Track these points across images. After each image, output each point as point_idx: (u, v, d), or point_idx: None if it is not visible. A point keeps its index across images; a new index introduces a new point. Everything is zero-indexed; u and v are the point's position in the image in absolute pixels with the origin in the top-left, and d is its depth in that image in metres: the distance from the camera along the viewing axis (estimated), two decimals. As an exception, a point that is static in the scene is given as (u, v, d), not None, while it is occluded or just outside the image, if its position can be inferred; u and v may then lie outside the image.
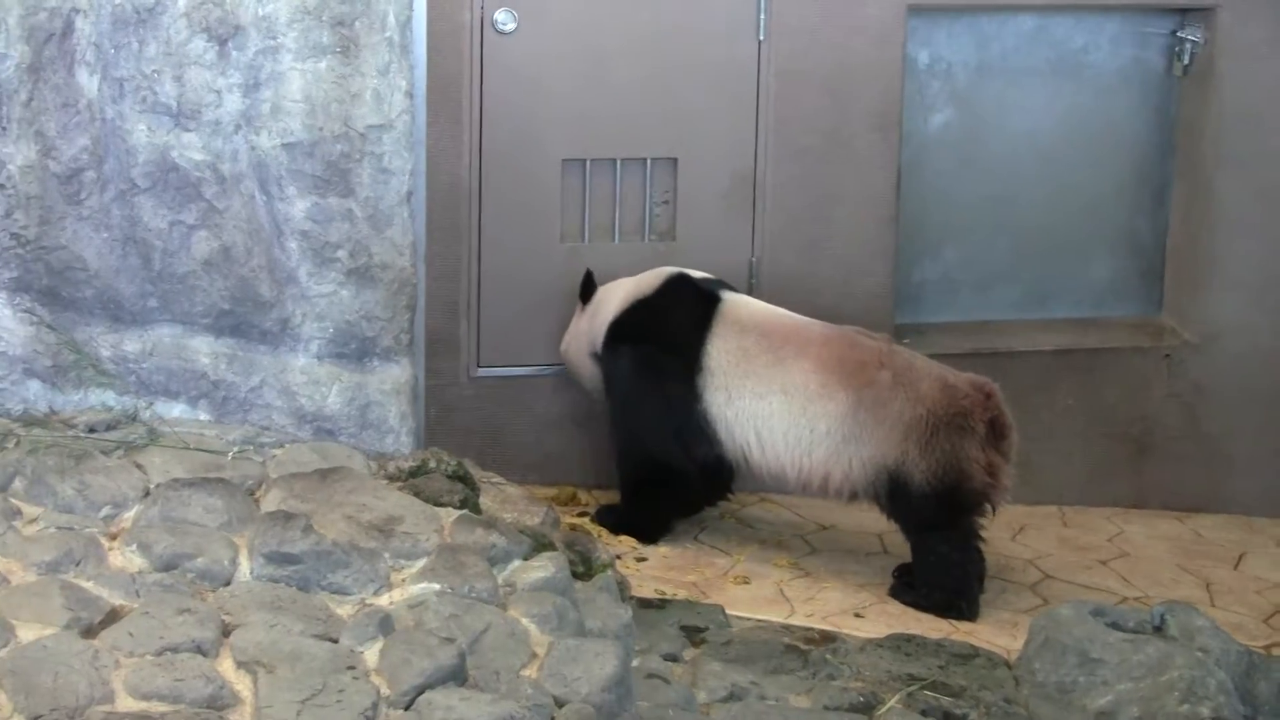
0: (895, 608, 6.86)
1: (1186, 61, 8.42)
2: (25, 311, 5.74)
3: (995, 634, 6.66)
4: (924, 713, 5.72)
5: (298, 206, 5.82)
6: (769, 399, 6.96)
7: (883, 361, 6.88)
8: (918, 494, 6.78)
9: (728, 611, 6.48)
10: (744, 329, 7.07)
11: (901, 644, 6.26)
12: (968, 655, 6.23)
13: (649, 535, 7.23)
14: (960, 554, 6.85)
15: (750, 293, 7.73)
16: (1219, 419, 8.42)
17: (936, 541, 6.84)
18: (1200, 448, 8.40)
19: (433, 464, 5.68)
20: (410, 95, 5.96)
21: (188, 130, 5.75)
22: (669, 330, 7.17)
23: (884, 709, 5.73)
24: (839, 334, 7.02)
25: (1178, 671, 5.79)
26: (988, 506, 6.86)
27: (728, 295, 7.21)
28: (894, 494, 6.83)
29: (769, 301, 7.34)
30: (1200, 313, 8.45)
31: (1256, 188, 8.38)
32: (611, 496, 7.57)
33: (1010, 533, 7.88)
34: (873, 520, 7.43)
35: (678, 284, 7.26)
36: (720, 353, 7.05)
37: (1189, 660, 5.84)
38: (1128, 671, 5.89)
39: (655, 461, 7.17)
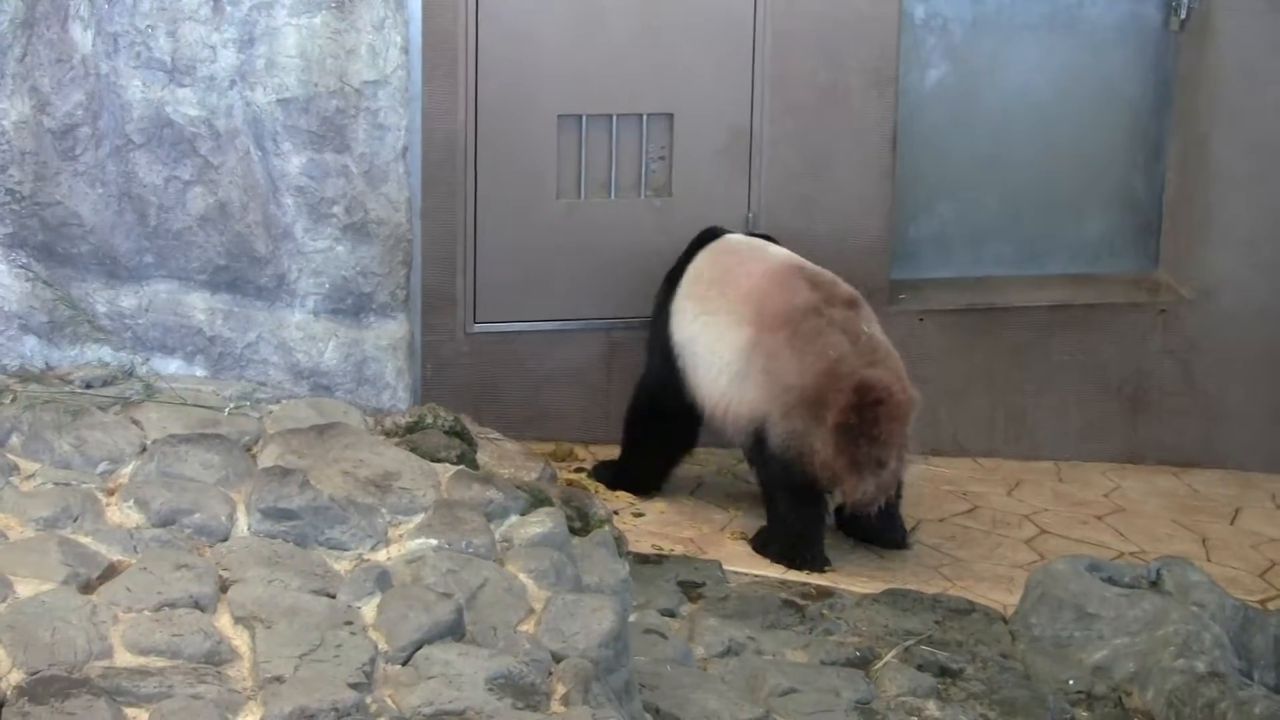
0: (892, 562, 6.87)
1: (1183, 16, 8.40)
2: (21, 268, 5.72)
3: (991, 589, 6.68)
4: (920, 667, 5.74)
5: (293, 162, 5.80)
6: (700, 319, 7.00)
7: (805, 319, 6.82)
8: (768, 454, 6.82)
9: (725, 567, 6.49)
10: (718, 256, 7.09)
11: (898, 599, 6.28)
12: (964, 610, 6.25)
13: (642, 487, 7.23)
14: (796, 514, 6.84)
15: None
16: (1214, 374, 8.43)
17: (778, 499, 6.86)
18: (1196, 403, 8.41)
19: (430, 420, 5.67)
20: (405, 51, 5.94)
21: (183, 86, 5.73)
22: (673, 268, 7.30)
23: (880, 663, 5.75)
24: (791, 275, 6.98)
25: (1173, 626, 5.80)
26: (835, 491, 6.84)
27: (731, 233, 7.23)
28: (754, 445, 6.90)
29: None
30: (1196, 268, 8.45)
31: (1252, 143, 8.38)
32: (610, 451, 7.59)
33: (1006, 488, 7.89)
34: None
35: (704, 232, 7.38)
36: (688, 276, 7.15)
37: (1185, 615, 5.86)
38: (1124, 626, 5.91)
39: (648, 400, 7.20)
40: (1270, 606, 6.48)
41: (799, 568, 6.72)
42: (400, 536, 4.86)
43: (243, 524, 4.78)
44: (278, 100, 5.76)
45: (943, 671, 5.75)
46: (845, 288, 6.96)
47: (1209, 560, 7.22)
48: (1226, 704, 5.34)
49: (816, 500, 6.83)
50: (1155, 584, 6.21)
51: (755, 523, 7.04)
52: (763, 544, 6.87)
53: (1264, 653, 5.98)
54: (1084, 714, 5.60)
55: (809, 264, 7.06)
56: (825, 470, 6.68)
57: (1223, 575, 6.75)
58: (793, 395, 6.72)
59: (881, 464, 6.68)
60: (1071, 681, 5.76)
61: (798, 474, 6.74)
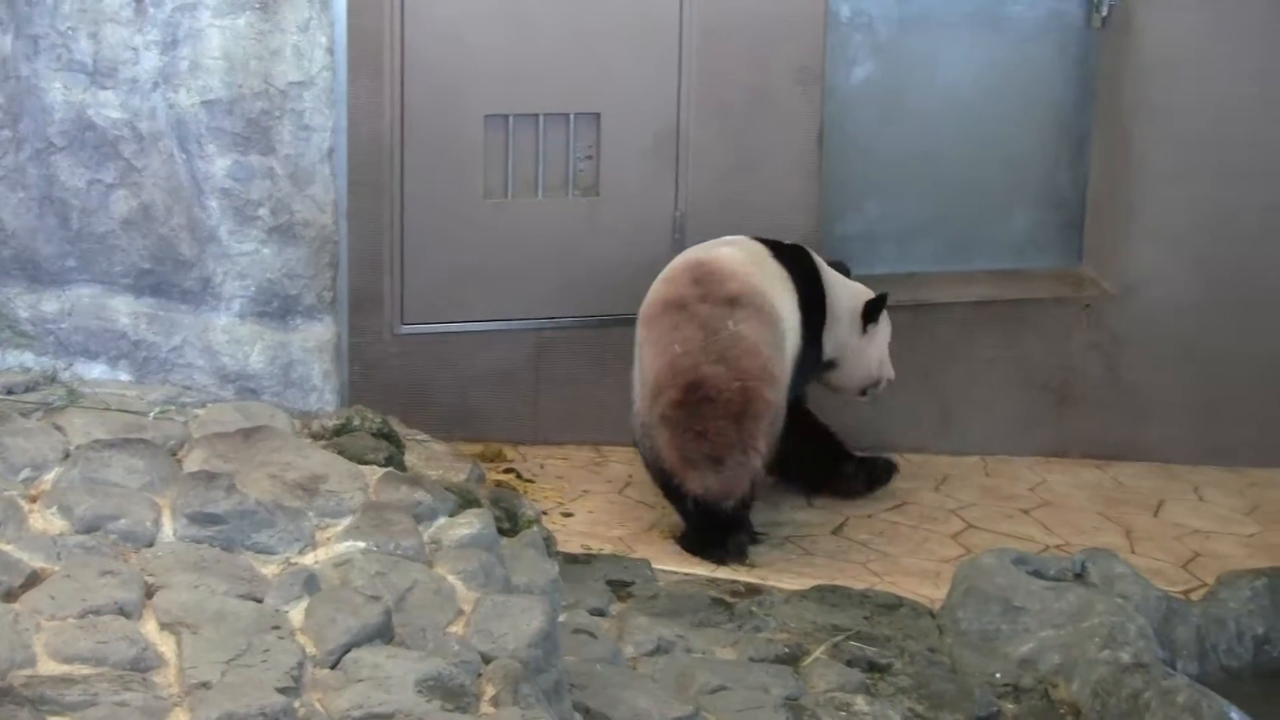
0: (820, 559, 6.90)
1: (1104, 13, 8.46)
2: (-58, 274, 5.70)
3: (919, 584, 6.71)
4: (849, 663, 5.76)
5: (218, 164, 5.79)
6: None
7: (667, 313, 6.92)
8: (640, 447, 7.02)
9: (654, 565, 6.51)
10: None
11: (826, 595, 6.30)
12: (892, 605, 6.28)
13: None
14: (678, 509, 6.94)
15: (674, 247, 7.76)
16: (1138, 368, 8.48)
17: (666, 493, 6.96)
18: (1120, 397, 8.46)
19: (357, 422, 5.67)
20: (331, 51, 5.93)
21: (104, 88, 5.71)
22: None
23: (809, 659, 5.77)
24: (681, 270, 7.07)
25: (1099, 618, 5.85)
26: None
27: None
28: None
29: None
30: (1120, 263, 8.51)
31: (1175, 139, 8.43)
32: (539, 452, 7.61)
33: (933, 483, 7.93)
34: (797, 473, 7.48)
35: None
36: None
37: (1110, 607, 5.90)
38: (1049, 619, 5.96)
39: None
40: (1193, 597, 6.52)
41: (716, 562, 6.78)
42: (328, 539, 4.85)
43: (168, 529, 4.75)
44: (202, 102, 5.75)
45: (871, 666, 5.77)
46: (735, 286, 6.94)
47: (1133, 552, 7.27)
48: (1151, 694, 5.38)
49: (682, 495, 6.89)
50: (1080, 576, 6.26)
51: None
52: (680, 539, 6.95)
53: (1187, 643, 6.04)
54: (1010, 706, 5.64)
55: (725, 261, 7.07)
56: (664, 463, 6.83)
57: (1147, 567, 6.81)
58: (646, 389, 6.86)
59: (717, 461, 6.75)
60: (998, 674, 5.80)
61: (653, 468, 6.91)
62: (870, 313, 7.52)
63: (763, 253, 7.24)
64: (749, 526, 7.01)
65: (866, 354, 7.57)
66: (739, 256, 7.12)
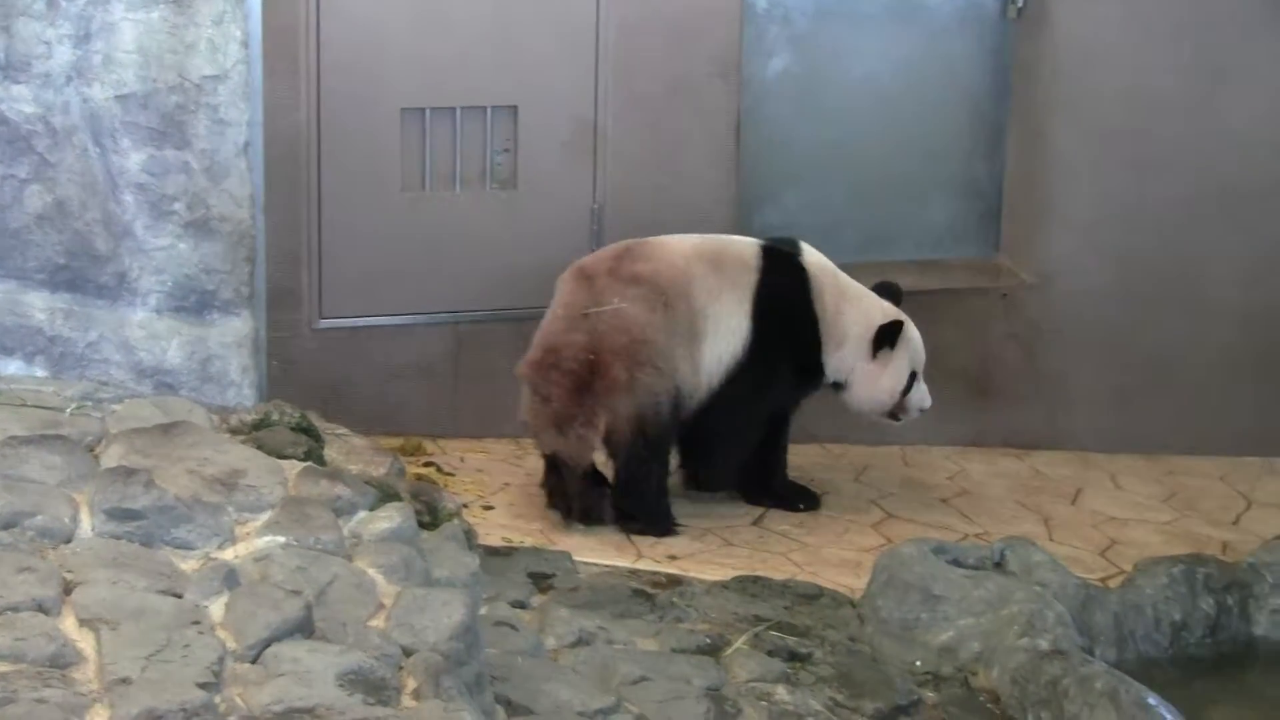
0: (741, 549, 6.91)
1: (1020, 5, 8.51)
2: None
3: (839, 574, 6.73)
4: (770, 653, 5.78)
5: (133, 159, 5.76)
6: None
7: (565, 285, 7.05)
8: None
9: (575, 557, 6.51)
10: None
11: (747, 585, 6.32)
12: (813, 595, 6.30)
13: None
14: (563, 480, 7.05)
15: (592, 239, 7.77)
16: (1055, 357, 8.54)
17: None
18: (1038, 386, 8.52)
19: (276, 416, 5.64)
20: (245, 45, 5.91)
21: (17, 83, 5.67)
22: None
23: (731, 650, 5.78)
24: (613, 249, 7.14)
25: (1017, 606, 5.88)
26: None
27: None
28: None
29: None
30: (1036, 253, 8.56)
31: (1089, 129, 8.49)
32: (459, 445, 7.60)
33: (853, 473, 7.96)
34: (718, 464, 7.49)
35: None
36: None
37: (1028, 595, 5.94)
38: (969, 607, 5.98)
39: None
40: (1111, 584, 6.56)
41: (639, 533, 6.93)
42: (248, 534, 4.83)
43: (86, 525, 4.73)
44: (116, 96, 5.72)
45: (792, 656, 5.79)
46: (645, 268, 6.99)
47: (1051, 540, 7.31)
48: (1069, 680, 5.41)
49: (555, 467, 7.05)
50: (999, 565, 6.29)
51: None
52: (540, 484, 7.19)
53: (1105, 629, 6.07)
54: (931, 694, 5.67)
55: (657, 245, 7.11)
56: (523, 417, 7.03)
57: (1065, 554, 6.84)
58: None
59: (559, 428, 6.89)
60: (918, 663, 5.83)
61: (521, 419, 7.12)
62: (879, 339, 7.27)
63: (734, 254, 7.19)
64: (644, 503, 7.06)
65: (878, 381, 7.32)
66: (683, 247, 7.13)
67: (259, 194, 6.11)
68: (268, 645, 4.30)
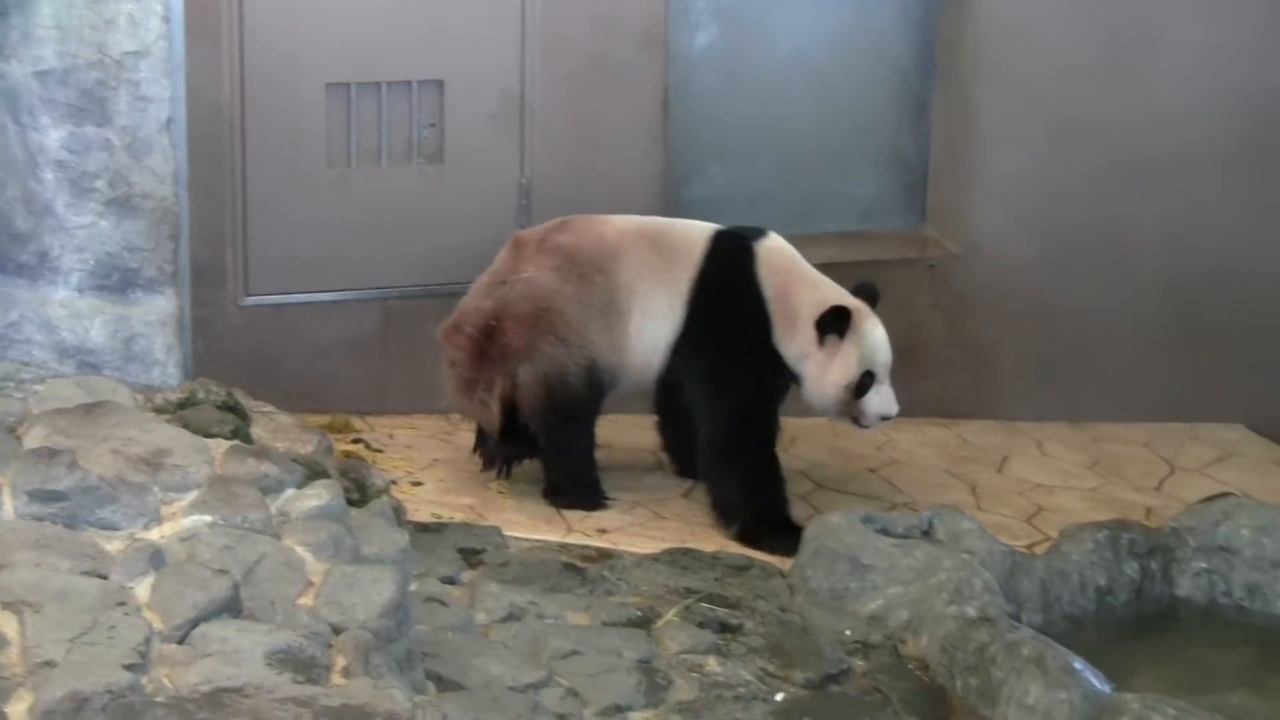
0: (672, 522, 6.92)
1: (945, -24, 8.54)
2: None
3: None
4: (701, 624, 5.80)
5: (52, 136, 5.72)
6: None
7: (515, 250, 7.04)
8: None
9: (505, 532, 6.51)
10: None
11: (678, 558, 6.34)
12: (743, 566, 6.33)
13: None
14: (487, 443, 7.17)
15: (520, 213, 7.77)
16: (982, 327, 8.57)
17: None
18: (965, 355, 8.55)
19: (201, 395, 5.62)
20: (167, 20, 5.88)
21: (-67, 61, 5.63)
22: None
23: (662, 622, 5.80)
24: (561, 221, 7.13)
25: (945, 574, 5.92)
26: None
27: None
28: None
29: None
30: (962, 224, 8.59)
31: (1014, 100, 8.52)
32: (387, 422, 7.59)
33: (782, 444, 7.96)
34: (647, 437, 7.49)
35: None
36: None
37: (956, 563, 5.97)
38: (897, 576, 6.02)
39: None
40: (1037, 551, 6.60)
41: (568, 507, 6.97)
42: (174, 514, 4.81)
43: (9, 507, 4.70)
44: (34, 73, 5.68)
45: (723, 628, 5.81)
46: (568, 239, 6.99)
47: (979, 508, 7.35)
48: (997, 647, 5.45)
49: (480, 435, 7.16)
50: (927, 533, 6.33)
51: (535, 487, 7.07)
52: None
53: (1031, 596, 6.12)
54: (860, 663, 5.69)
55: (592, 221, 7.10)
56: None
57: (992, 522, 6.89)
58: None
59: (463, 392, 7.00)
60: (848, 632, 5.86)
61: None
62: (823, 322, 6.86)
63: (680, 234, 7.10)
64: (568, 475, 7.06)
65: (825, 372, 6.90)
66: (622, 224, 7.10)
67: (182, 171, 6.07)
68: (195, 625, 4.30)
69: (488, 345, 6.93)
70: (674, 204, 8.25)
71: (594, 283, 6.94)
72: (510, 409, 6.95)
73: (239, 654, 4.20)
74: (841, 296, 6.94)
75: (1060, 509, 7.48)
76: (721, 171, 8.53)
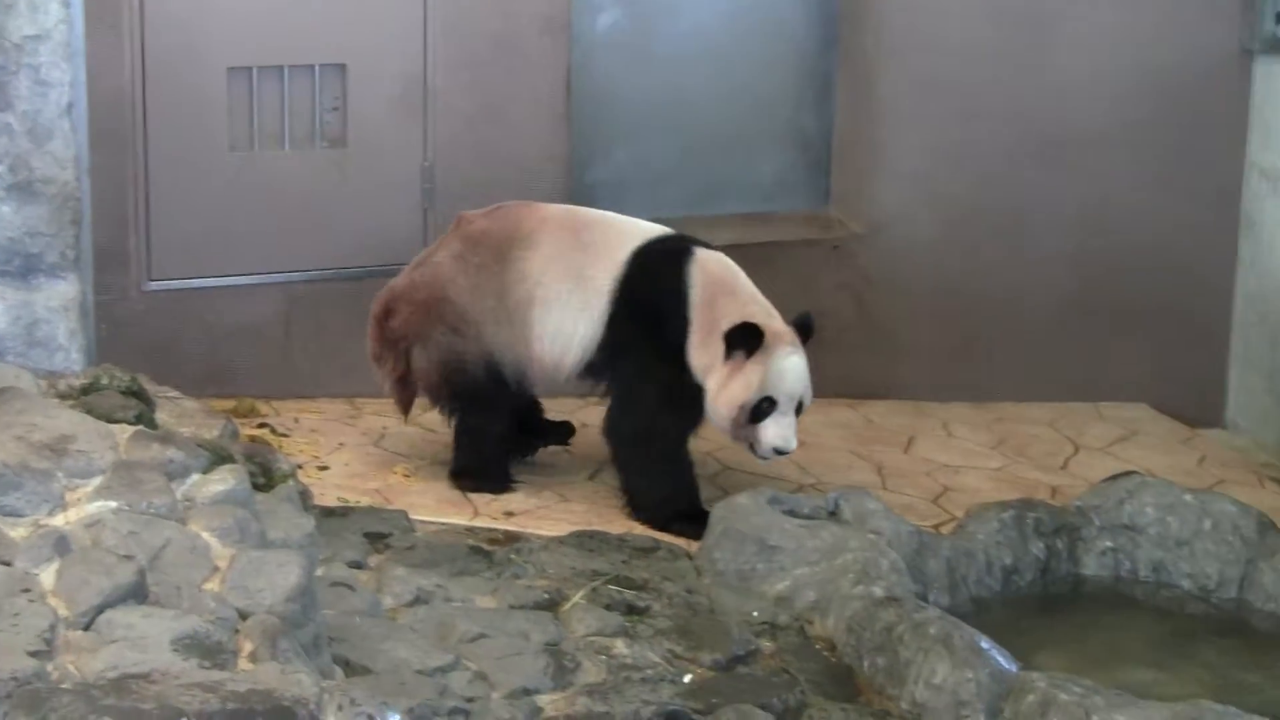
0: (578, 505, 6.93)
1: (846, -44, 8.56)
2: None
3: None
4: (608, 607, 5.81)
5: (-49, 122, 5.67)
6: None
7: (450, 232, 7.03)
8: None
9: (411, 516, 6.50)
10: None
11: (584, 540, 6.35)
12: (650, 548, 6.35)
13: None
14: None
15: (424, 197, 7.76)
16: (886, 307, 8.62)
17: None
18: (870, 336, 8.59)
19: (105, 380, 5.59)
20: (66, 4, 5.83)
21: None
22: None
23: (569, 605, 5.81)
24: (469, 215, 7.06)
25: (852, 554, 5.95)
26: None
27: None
28: None
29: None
30: (866, 204, 8.63)
31: (916, 80, 8.57)
32: (292, 406, 7.57)
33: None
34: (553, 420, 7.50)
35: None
36: None
37: (862, 543, 6.01)
38: (804, 556, 6.05)
39: None
40: (943, 531, 6.66)
41: (474, 490, 6.97)
42: (78, 500, 4.79)
43: (-88, 495, 4.67)
44: (-69, 58, 5.62)
45: (630, 610, 5.83)
46: (478, 227, 6.95)
47: (885, 489, 7.39)
48: (904, 627, 5.48)
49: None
50: (834, 514, 6.36)
51: (441, 471, 7.06)
52: None
53: (938, 576, 6.16)
54: (768, 644, 5.72)
55: (518, 209, 7.04)
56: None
57: (898, 503, 6.93)
58: None
59: (372, 364, 7.02)
60: (755, 613, 5.88)
61: None
62: (731, 337, 6.61)
63: (611, 229, 6.93)
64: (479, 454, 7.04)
65: (723, 389, 6.66)
66: (548, 213, 6.99)
67: (84, 155, 6.03)
68: (100, 611, 4.28)
69: (385, 325, 6.94)
70: (578, 186, 8.26)
71: (491, 272, 6.85)
72: (408, 388, 6.98)
73: (145, 640, 4.19)
74: (768, 317, 6.69)
75: (966, 489, 7.53)
76: (625, 153, 8.54)
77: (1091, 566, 6.46)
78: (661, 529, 6.68)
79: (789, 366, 6.66)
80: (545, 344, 6.86)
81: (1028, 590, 6.37)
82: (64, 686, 3.93)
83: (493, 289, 6.85)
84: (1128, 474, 6.83)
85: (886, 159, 8.62)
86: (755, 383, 6.63)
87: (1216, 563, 6.38)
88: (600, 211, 7.17)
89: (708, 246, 6.93)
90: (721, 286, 6.77)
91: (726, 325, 6.63)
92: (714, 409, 6.71)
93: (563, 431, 7.36)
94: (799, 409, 6.75)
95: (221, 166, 7.66)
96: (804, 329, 6.78)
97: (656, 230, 6.98)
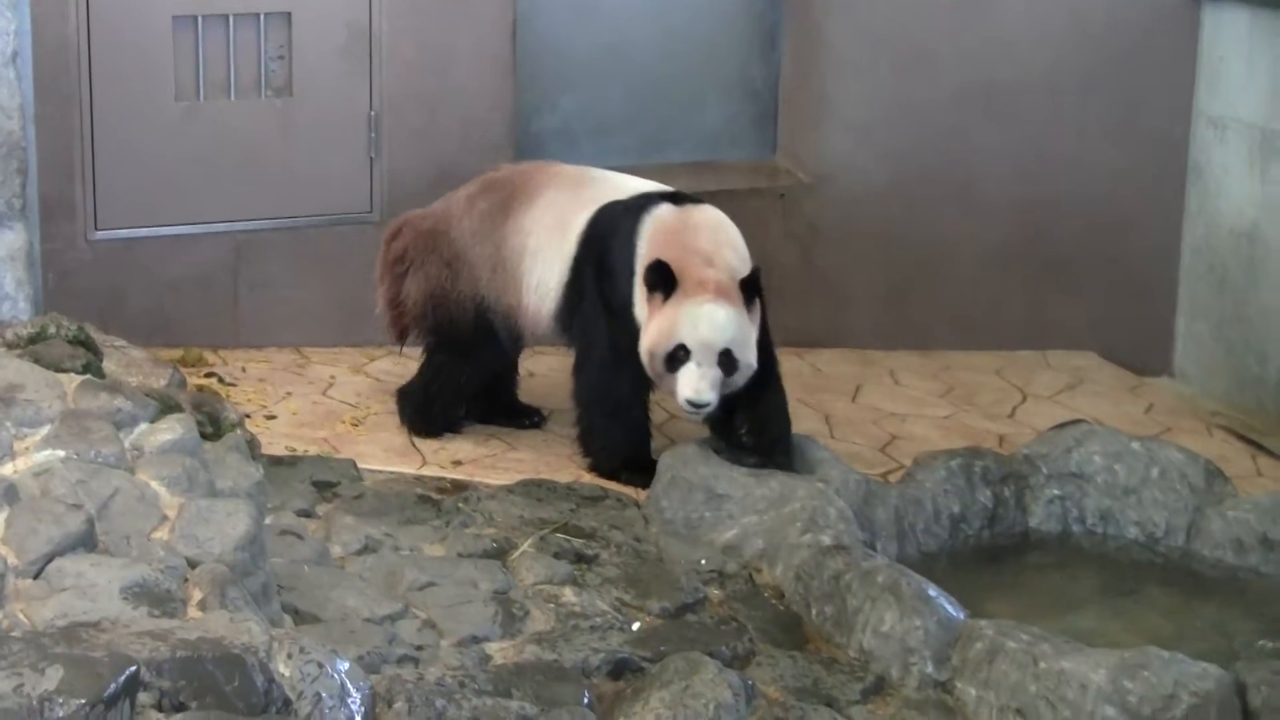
0: (526, 454, 6.93)
1: (793, -95, 8.55)
2: None
3: (624, 475, 6.78)
4: (557, 555, 5.83)
5: (-106, 70, 5.63)
6: None
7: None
8: None
9: (359, 465, 6.51)
10: None
11: (533, 489, 6.36)
12: (597, 497, 6.36)
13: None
14: None
15: (370, 146, 7.74)
16: (833, 257, 8.62)
17: None
18: (816, 285, 8.59)
19: (52, 330, 5.57)
20: (10, -48, 5.79)
21: None
22: None
23: (517, 553, 5.82)
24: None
25: (799, 503, 5.97)
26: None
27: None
28: None
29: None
30: (813, 153, 8.63)
31: (863, 30, 8.56)
32: (240, 356, 7.55)
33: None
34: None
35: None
36: None
37: (810, 491, 6.03)
38: (752, 505, 6.07)
39: None
40: (891, 479, 6.68)
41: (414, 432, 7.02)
42: (26, 449, 4.78)
43: None
44: (-127, 7, 5.58)
45: (578, 558, 5.85)
46: (503, 175, 7.01)
47: (833, 437, 7.41)
48: (851, 575, 5.51)
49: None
50: (782, 462, 6.39)
51: (389, 420, 7.06)
52: None
53: (885, 524, 6.18)
54: (716, 592, 5.74)
55: (527, 168, 7.11)
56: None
57: (846, 451, 6.96)
58: None
59: (379, 281, 7.10)
60: (704, 561, 5.90)
61: None
62: (648, 274, 6.43)
63: (603, 185, 6.85)
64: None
65: (643, 336, 6.49)
66: (560, 171, 6.99)
67: (29, 104, 5.99)
68: (50, 560, 4.28)
69: (389, 245, 7.02)
70: (524, 134, 8.25)
71: (494, 221, 6.87)
72: (399, 313, 7.01)
73: (95, 588, 4.19)
74: (703, 265, 6.44)
75: (913, 437, 7.55)
76: (572, 102, 8.52)
77: (1039, 515, 6.49)
78: (609, 477, 6.67)
79: (704, 314, 6.35)
80: (531, 294, 6.84)
81: (975, 538, 6.40)
82: (14, 635, 3.93)
83: (493, 238, 6.87)
84: (1075, 422, 6.86)
85: (833, 108, 8.62)
86: (667, 328, 6.39)
87: (1164, 511, 6.42)
88: (614, 173, 7.04)
89: (695, 201, 6.76)
90: (672, 238, 6.54)
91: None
92: (641, 346, 6.49)
93: (532, 417, 7.25)
94: (729, 366, 6.40)
95: (167, 116, 7.61)
96: (750, 284, 6.47)
97: (650, 187, 6.84)
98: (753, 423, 6.63)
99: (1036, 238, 8.81)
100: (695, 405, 6.39)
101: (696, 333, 6.36)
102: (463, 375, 6.99)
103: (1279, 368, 8.31)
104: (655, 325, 6.43)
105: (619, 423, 6.75)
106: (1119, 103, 8.78)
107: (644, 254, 6.54)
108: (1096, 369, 8.75)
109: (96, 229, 7.54)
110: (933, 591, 5.43)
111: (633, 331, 6.57)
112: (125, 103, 7.51)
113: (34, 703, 3.62)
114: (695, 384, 6.36)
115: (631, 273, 6.59)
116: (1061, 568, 6.29)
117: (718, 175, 8.59)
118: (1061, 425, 6.83)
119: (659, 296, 6.41)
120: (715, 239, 6.59)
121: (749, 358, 6.43)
